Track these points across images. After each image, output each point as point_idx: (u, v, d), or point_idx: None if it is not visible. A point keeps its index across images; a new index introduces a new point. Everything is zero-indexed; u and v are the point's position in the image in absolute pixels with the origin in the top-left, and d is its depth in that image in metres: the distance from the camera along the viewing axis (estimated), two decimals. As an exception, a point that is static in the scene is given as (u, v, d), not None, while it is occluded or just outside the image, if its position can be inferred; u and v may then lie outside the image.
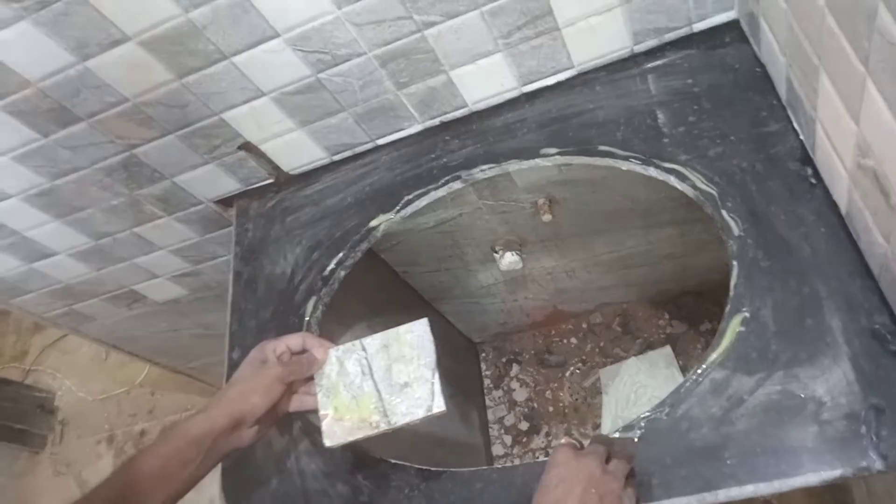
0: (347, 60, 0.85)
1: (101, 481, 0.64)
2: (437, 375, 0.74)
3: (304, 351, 0.76)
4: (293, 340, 0.75)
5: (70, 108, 0.87)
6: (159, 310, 1.37)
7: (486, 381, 1.64)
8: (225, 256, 1.22)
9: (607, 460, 0.61)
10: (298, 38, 0.81)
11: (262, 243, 1.02)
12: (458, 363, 1.58)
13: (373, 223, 0.95)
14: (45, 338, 2.32)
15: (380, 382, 0.74)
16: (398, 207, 0.94)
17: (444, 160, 0.94)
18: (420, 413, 0.71)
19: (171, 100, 0.87)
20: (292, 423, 0.84)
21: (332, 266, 0.94)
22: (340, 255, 0.94)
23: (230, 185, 1.05)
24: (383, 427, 0.71)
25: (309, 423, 0.83)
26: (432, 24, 0.81)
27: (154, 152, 0.96)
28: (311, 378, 0.75)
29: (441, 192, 0.93)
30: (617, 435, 0.67)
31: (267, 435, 0.79)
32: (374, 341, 0.76)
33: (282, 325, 0.93)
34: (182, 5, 0.75)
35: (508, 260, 1.23)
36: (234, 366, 0.93)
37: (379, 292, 1.28)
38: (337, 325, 1.02)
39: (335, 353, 0.76)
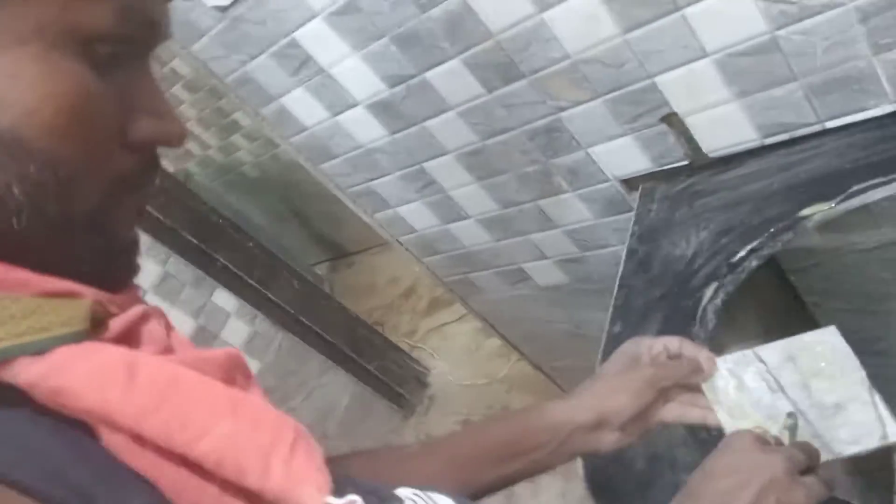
0: (819, 14, 0.74)
1: (447, 434, 0.63)
2: (877, 395, 0.59)
3: (680, 355, 0.65)
4: (671, 342, 0.66)
5: (517, 63, 0.94)
6: (539, 295, 1.41)
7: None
8: (614, 247, 1.20)
9: (803, 472, 0.50)
10: (764, -16, 0.74)
11: (665, 224, 0.96)
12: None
13: (805, 211, 0.81)
14: (432, 321, 2.63)
15: (799, 402, 0.61)
16: (841, 197, 0.78)
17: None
18: (872, 443, 0.57)
19: (609, 58, 0.88)
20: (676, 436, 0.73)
21: (742, 253, 0.83)
22: (756, 242, 0.83)
23: (641, 164, 1.02)
24: (824, 456, 0.57)
25: (696, 439, 0.72)
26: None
27: (577, 118, 0.99)
28: (688, 387, 0.65)
29: (906, 187, 0.75)
30: None
31: (630, 446, 0.65)
32: (772, 352, 0.64)
33: (672, 307, 0.85)
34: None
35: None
36: (612, 340, 0.89)
37: (777, 320, 1.11)
38: (726, 335, 0.90)
39: (724, 364, 0.64)
